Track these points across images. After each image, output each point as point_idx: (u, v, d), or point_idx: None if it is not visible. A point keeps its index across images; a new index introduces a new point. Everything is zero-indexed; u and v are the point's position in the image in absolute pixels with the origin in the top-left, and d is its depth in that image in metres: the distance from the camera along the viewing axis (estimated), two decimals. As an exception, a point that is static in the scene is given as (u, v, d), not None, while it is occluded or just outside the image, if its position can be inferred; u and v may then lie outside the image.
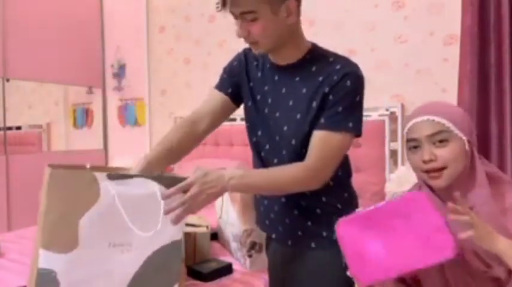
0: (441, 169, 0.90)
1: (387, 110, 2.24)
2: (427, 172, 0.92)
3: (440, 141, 0.90)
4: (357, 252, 0.85)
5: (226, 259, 1.60)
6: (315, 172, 0.99)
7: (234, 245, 1.65)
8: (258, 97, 1.14)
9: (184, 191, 0.91)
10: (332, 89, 0.99)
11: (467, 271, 0.88)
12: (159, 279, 0.92)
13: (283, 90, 1.08)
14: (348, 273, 0.86)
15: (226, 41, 2.90)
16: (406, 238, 0.82)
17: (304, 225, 1.11)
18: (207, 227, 1.63)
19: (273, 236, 1.20)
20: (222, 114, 1.20)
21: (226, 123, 2.78)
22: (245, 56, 1.18)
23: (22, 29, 3.08)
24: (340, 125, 0.99)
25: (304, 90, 1.04)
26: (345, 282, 1.01)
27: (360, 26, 2.41)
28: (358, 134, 1.03)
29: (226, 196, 1.76)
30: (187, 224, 1.61)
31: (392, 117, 2.22)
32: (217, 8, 2.81)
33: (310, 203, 1.10)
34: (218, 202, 1.88)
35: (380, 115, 2.25)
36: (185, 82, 3.23)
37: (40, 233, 0.81)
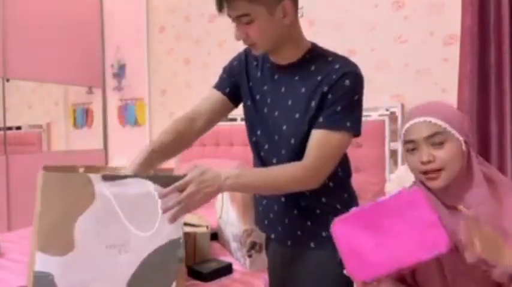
0: (438, 170, 0.91)
1: (387, 110, 2.24)
2: (425, 173, 0.93)
3: (438, 142, 0.91)
4: (353, 250, 0.85)
5: (226, 259, 1.60)
6: (312, 171, 0.99)
7: (234, 245, 1.65)
8: (258, 97, 1.14)
9: (181, 190, 0.90)
10: (331, 88, 0.99)
11: (467, 271, 0.88)
12: (157, 278, 0.92)
13: (283, 89, 1.08)
14: (345, 272, 0.86)
15: (226, 41, 2.90)
16: (401, 234, 0.83)
17: (304, 225, 1.11)
18: (207, 227, 1.63)
19: (272, 236, 1.20)
20: (220, 113, 1.21)
21: (226, 123, 2.80)
22: (245, 56, 1.19)
23: (22, 29, 3.08)
24: (339, 124, 0.99)
25: (303, 90, 1.04)
26: (345, 282, 1.01)
27: (360, 26, 2.41)
28: (357, 133, 1.03)
29: (226, 196, 1.76)
30: (188, 224, 1.61)
31: (392, 117, 2.22)
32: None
33: (310, 204, 1.10)
34: (218, 202, 1.88)
35: (380, 115, 2.25)
36: (185, 82, 3.23)
37: (36, 236, 0.81)
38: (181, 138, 1.14)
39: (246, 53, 1.18)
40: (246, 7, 0.96)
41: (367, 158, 2.20)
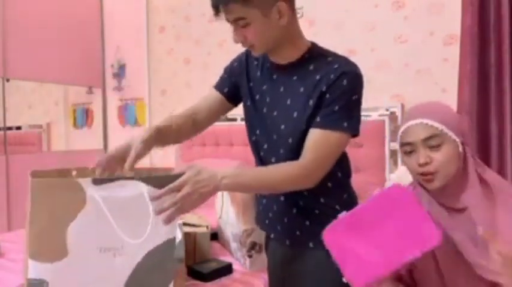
0: (435, 172, 0.91)
1: (387, 110, 2.24)
2: (422, 174, 0.93)
3: (435, 145, 0.91)
4: (348, 256, 0.85)
5: (226, 259, 1.60)
6: (308, 171, 0.98)
7: (234, 245, 1.65)
8: (257, 97, 1.14)
9: (176, 190, 0.89)
10: (329, 87, 0.99)
11: (463, 270, 0.89)
12: (154, 279, 0.91)
13: (281, 89, 1.08)
14: (344, 280, 0.86)
15: (226, 41, 2.90)
16: (392, 233, 0.83)
17: (303, 225, 1.10)
18: (207, 227, 1.63)
19: (272, 235, 1.20)
20: (218, 112, 1.23)
21: (226, 123, 2.80)
22: (246, 56, 1.19)
23: (22, 29, 3.08)
24: (336, 124, 0.99)
25: (301, 89, 1.04)
26: (344, 283, 1.01)
27: (360, 26, 2.41)
28: (355, 133, 1.03)
29: (226, 196, 1.76)
30: (188, 224, 1.61)
31: (392, 117, 2.22)
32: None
33: (308, 204, 1.10)
34: (218, 202, 1.88)
35: (380, 115, 2.25)
36: (185, 82, 3.23)
37: (28, 243, 0.80)
38: (179, 131, 1.16)
39: (247, 54, 1.19)
40: (241, 11, 0.97)
41: (367, 158, 2.20)
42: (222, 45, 2.98)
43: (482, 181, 0.93)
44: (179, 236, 1.31)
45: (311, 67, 1.04)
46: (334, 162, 1.02)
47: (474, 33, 1.91)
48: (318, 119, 1.00)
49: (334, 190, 1.10)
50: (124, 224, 0.86)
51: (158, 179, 0.89)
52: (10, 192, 2.99)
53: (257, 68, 1.15)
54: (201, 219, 1.72)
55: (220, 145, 2.92)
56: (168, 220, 0.88)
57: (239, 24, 0.99)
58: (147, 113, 3.42)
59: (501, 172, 1.87)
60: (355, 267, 0.84)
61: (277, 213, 1.15)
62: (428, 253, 0.93)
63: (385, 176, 2.19)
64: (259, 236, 1.53)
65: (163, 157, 3.34)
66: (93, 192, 0.83)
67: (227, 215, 1.72)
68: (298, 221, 1.11)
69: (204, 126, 1.24)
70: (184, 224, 1.55)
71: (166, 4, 3.30)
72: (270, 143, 1.12)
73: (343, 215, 0.87)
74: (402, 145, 0.97)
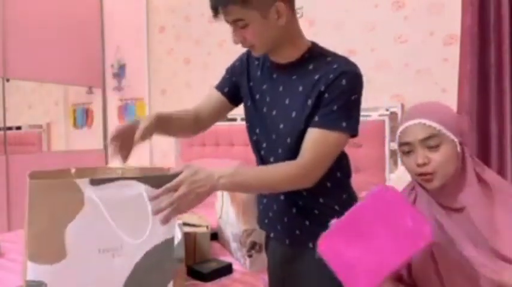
0: (433, 172, 0.91)
1: (387, 110, 2.24)
2: (421, 175, 0.93)
3: (433, 145, 0.91)
4: (345, 265, 0.84)
5: (226, 259, 1.60)
6: (306, 170, 0.98)
7: (234, 245, 1.65)
8: (257, 96, 1.14)
9: (173, 190, 0.88)
10: (328, 87, 0.98)
11: (462, 270, 0.89)
12: (153, 279, 0.91)
13: (281, 88, 1.09)
14: None
15: (226, 41, 2.90)
16: (386, 235, 0.82)
17: (302, 224, 1.11)
18: (207, 227, 1.63)
19: (272, 235, 1.21)
20: (219, 112, 1.25)
21: (226, 123, 2.80)
22: (247, 56, 1.20)
23: (22, 29, 3.08)
24: (334, 124, 0.98)
25: (300, 89, 1.04)
26: (344, 283, 1.01)
27: (360, 26, 2.41)
28: (354, 134, 1.02)
29: (226, 196, 1.76)
30: (188, 224, 1.61)
31: (393, 117, 2.22)
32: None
33: (308, 204, 1.10)
34: (218, 202, 1.88)
35: (380, 115, 2.25)
36: (185, 82, 3.23)
37: (27, 245, 0.80)
38: (180, 124, 1.18)
39: (248, 53, 1.19)
40: (239, 12, 0.97)
41: (367, 158, 2.20)
42: (222, 45, 2.98)
43: (481, 180, 0.93)
44: (179, 236, 1.31)
45: (310, 67, 1.04)
46: (333, 162, 1.02)
47: (474, 33, 1.91)
48: (316, 118, 1.00)
49: (334, 190, 1.09)
50: (123, 224, 0.86)
51: (156, 179, 0.89)
52: (10, 192, 2.99)
53: (258, 68, 1.16)
54: (201, 219, 1.72)
55: (220, 144, 2.92)
56: (165, 220, 0.88)
57: (238, 25, 1.00)
58: (147, 113, 3.42)
59: (501, 172, 1.87)
60: (354, 275, 0.83)
61: (277, 212, 1.15)
62: (428, 253, 0.93)
63: (385, 176, 2.19)
64: (259, 236, 1.53)
65: (164, 157, 3.35)
66: (91, 193, 0.82)
67: (227, 215, 1.72)
68: (298, 220, 1.11)
69: (206, 125, 1.25)
70: (184, 224, 1.55)
71: (166, 4, 3.30)
72: (269, 142, 1.12)
73: (333, 223, 0.86)
74: (400, 144, 0.97)
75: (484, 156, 1.91)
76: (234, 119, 2.81)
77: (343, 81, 0.98)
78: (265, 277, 1.28)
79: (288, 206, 1.12)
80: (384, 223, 0.83)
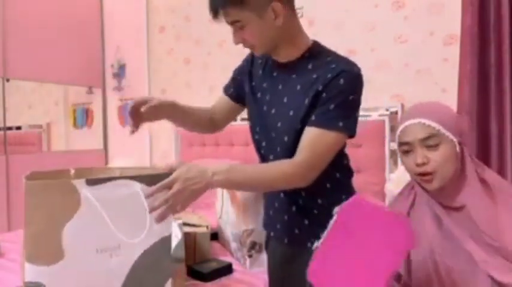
0: (433, 172, 0.91)
1: (387, 110, 2.24)
2: (420, 175, 0.93)
3: (433, 145, 0.91)
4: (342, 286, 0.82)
5: (226, 259, 1.60)
6: (303, 169, 0.98)
7: (234, 245, 1.65)
8: (258, 95, 1.15)
9: (168, 188, 0.88)
10: (325, 87, 0.98)
11: (461, 269, 0.89)
12: (151, 277, 0.91)
13: (280, 86, 1.09)
14: None
15: (226, 41, 2.90)
16: (370, 246, 0.79)
17: (301, 223, 1.11)
18: (207, 227, 1.63)
19: (272, 234, 1.21)
20: (230, 113, 1.28)
21: (226, 123, 2.79)
22: (252, 56, 1.21)
23: (22, 29, 3.08)
24: (331, 123, 0.98)
25: (298, 87, 1.04)
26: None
27: (360, 26, 2.41)
28: (351, 134, 1.02)
29: (226, 196, 1.76)
30: (188, 224, 1.61)
31: (393, 117, 2.22)
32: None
33: (307, 203, 1.10)
34: (218, 202, 1.88)
35: (380, 115, 2.24)
36: (185, 82, 3.23)
37: (25, 246, 0.80)
38: (193, 117, 1.22)
39: (253, 53, 1.20)
40: (236, 14, 0.98)
41: (367, 158, 2.20)
42: (222, 45, 2.98)
43: (482, 180, 0.93)
44: (179, 236, 1.31)
45: (310, 66, 1.04)
46: (329, 161, 1.01)
47: (474, 33, 1.90)
48: (313, 117, 1.00)
49: (333, 191, 1.09)
50: (120, 223, 0.86)
51: (152, 178, 0.89)
52: (10, 192, 2.99)
53: (260, 67, 1.17)
54: (201, 219, 1.72)
55: (220, 145, 2.92)
56: (160, 218, 0.88)
57: (237, 26, 1.01)
58: (147, 113, 3.41)
59: (501, 172, 1.86)
60: None
61: (277, 210, 1.16)
62: (427, 252, 0.93)
63: (385, 176, 2.19)
64: (259, 236, 1.53)
65: (164, 157, 3.35)
66: (88, 193, 0.82)
67: (227, 215, 1.72)
68: (298, 219, 1.11)
69: (221, 125, 1.30)
70: (184, 224, 1.55)
71: (166, 4, 3.30)
72: (268, 140, 1.12)
73: (316, 246, 0.83)
74: (400, 144, 0.97)
75: (484, 156, 1.90)
76: (234, 119, 2.81)
77: (341, 81, 0.97)
78: (266, 276, 1.28)
79: (288, 204, 1.12)
80: (365, 235, 0.80)
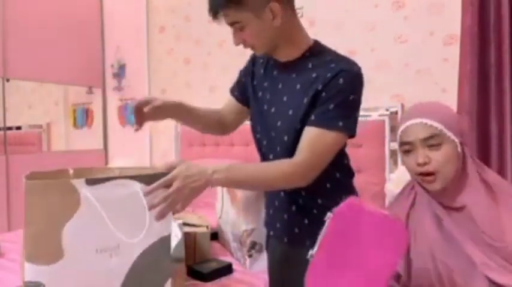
0: (433, 173, 0.91)
1: (387, 110, 2.24)
2: (421, 174, 0.93)
3: (434, 144, 0.91)
4: None
5: (226, 259, 1.60)
6: (301, 168, 0.98)
7: (234, 245, 1.65)
8: (260, 94, 1.15)
9: (167, 186, 0.88)
10: (325, 86, 0.98)
11: (460, 268, 0.89)
12: (151, 277, 0.91)
13: (280, 85, 1.09)
14: None
15: (226, 41, 2.90)
16: (366, 249, 0.78)
17: (301, 222, 1.11)
18: (207, 227, 1.63)
19: (271, 233, 1.21)
20: (238, 114, 1.28)
21: (226, 123, 2.79)
22: (254, 55, 1.22)
23: (22, 29, 3.08)
24: (331, 123, 0.97)
25: (298, 87, 1.04)
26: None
27: (360, 26, 2.41)
28: (351, 134, 1.01)
29: (226, 196, 1.76)
30: (188, 224, 1.61)
31: (393, 117, 2.22)
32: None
33: (307, 203, 1.10)
34: (218, 202, 1.88)
35: (380, 115, 2.24)
36: (185, 82, 3.23)
37: (24, 246, 0.80)
38: (201, 118, 1.23)
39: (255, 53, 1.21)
40: (234, 15, 0.99)
41: (367, 158, 2.20)
42: (222, 45, 2.98)
43: (483, 180, 0.93)
44: (179, 236, 1.31)
45: (310, 65, 1.04)
46: (329, 161, 1.01)
47: (474, 33, 1.90)
48: (312, 117, 0.99)
49: (333, 191, 1.09)
50: (120, 223, 0.85)
51: (150, 177, 0.89)
52: (10, 192, 2.99)
53: (262, 66, 1.18)
54: (201, 219, 1.72)
55: (220, 145, 2.92)
56: (160, 216, 0.88)
57: (236, 27, 1.01)
58: (147, 113, 3.41)
59: (501, 172, 1.86)
60: None
61: (277, 209, 1.16)
62: (428, 252, 0.93)
63: (385, 176, 2.19)
64: (259, 235, 1.53)
65: (163, 157, 3.34)
66: (87, 193, 0.82)
67: (227, 215, 1.72)
68: (297, 219, 1.11)
69: (230, 128, 1.31)
70: (184, 224, 1.55)
71: (166, 4, 3.30)
72: (268, 139, 1.12)
73: (311, 254, 0.82)
74: (401, 144, 0.97)
75: (484, 156, 1.90)
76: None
77: (341, 80, 0.97)
78: (266, 276, 1.28)
79: (288, 203, 1.12)
80: (360, 239, 0.79)
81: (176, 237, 1.29)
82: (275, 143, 1.09)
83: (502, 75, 1.88)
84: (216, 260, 1.55)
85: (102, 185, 0.84)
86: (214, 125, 1.27)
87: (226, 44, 2.93)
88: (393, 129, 2.16)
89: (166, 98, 1.18)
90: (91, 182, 0.83)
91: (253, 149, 1.24)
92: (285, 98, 1.07)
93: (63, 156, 3.41)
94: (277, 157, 1.08)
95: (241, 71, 1.27)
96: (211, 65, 3.06)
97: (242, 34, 1.02)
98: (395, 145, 2.22)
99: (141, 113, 1.09)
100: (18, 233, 2.11)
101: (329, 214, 0.80)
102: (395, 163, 2.22)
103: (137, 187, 0.87)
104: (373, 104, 2.22)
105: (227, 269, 1.50)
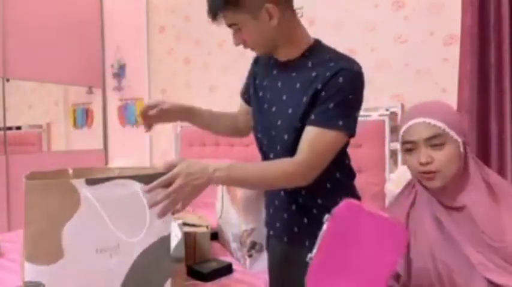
0: (436, 171, 0.91)
1: (387, 110, 2.24)
2: (423, 173, 0.93)
3: (437, 144, 0.91)
4: None
5: (226, 259, 1.60)
6: (303, 168, 0.98)
7: (234, 245, 1.65)
8: (260, 93, 1.16)
9: (169, 184, 0.88)
10: (325, 85, 0.98)
11: (460, 268, 0.89)
12: (150, 276, 0.91)
13: (280, 84, 1.10)
14: None
15: (226, 41, 2.90)
16: (365, 250, 0.77)
17: (301, 222, 1.11)
18: (207, 227, 1.63)
19: (271, 232, 1.21)
20: (249, 117, 1.28)
21: (226, 123, 2.79)
22: (257, 56, 1.23)
23: (22, 29, 3.08)
24: (330, 122, 0.97)
25: (298, 86, 1.04)
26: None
27: (360, 26, 2.41)
28: (351, 133, 1.01)
29: (226, 196, 1.76)
30: (188, 224, 1.61)
31: (393, 117, 2.22)
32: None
33: (307, 202, 1.10)
34: (218, 202, 1.88)
35: (380, 115, 2.24)
36: (185, 82, 3.23)
37: (24, 246, 0.80)
38: (214, 120, 1.28)
39: None
40: (232, 17, 1.00)
41: (367, 158, 2.19)
42: (222, 45, 2.98)
43: (484, 181, 0.93)
44: (179, 236, 1.31)
45: (309, 64, 1.05)
46: (329, 161, 1.01)
47: (474, 33, 1.90)
48: (312, 116, 0.99)
49: (333, 191, 1.09)
50: (119, 223, 0.85)
51: (151, 177, 0.89)
52: (10, 192, 2.99)
53: (263, 65, 1.18)
54: (201, 219, 1.72)
55: (220, 145, 2.92)
56: (162, 214, 0.88)
57: (235, 28, 1.03)
58: (147, 113, 3.41)
59: (501, 172, 1.86)
60: None
61: (277, 209, 1.16)
62: (427, 252, 0.93)
63: (385, 176, 2.19)
64: (259, 235, 1.53)
65: (163, 157, 3.34)
66: (87, 192, 0.82)
67: (227, 215, 1.72)
68: (297, 218, 1.11)
69: (245, 130, 1.33)
70: (184, 224, 1.55)
71: (166, 4, 3.30)
72: (269, 138, 1.13)
73: (310, 257, 0.81)
74: (404, 142, 0.97)
75: (484, 156, 1.90)
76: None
77: (340, 79, 0.97)
78: (266, 276, 1.28)
79: (288, 202, 1.12)
80: (359, 239, 0.78)
81: (176, 237, 1.29)
82: (275, 142, 1.10)
83: (502, 75, 1.88)
84: (216, 260, 1.55)
85: (102, 185, 0.84)
86: (229, 128, 1.32)
87: (226, 44, 2.93)
88: (393, 130, 2.16)
89: (177, 101, 1.23)
90: (91, 182, 0.83)
91: (253, 150, 1.24)
92: (284, 97, 1.07)
93: (63, 156, 3.41)
94: (277, 155, 1.08)
95: (248, 74, 1.29)
96: (211, 65, 3.06)
97: (241, 35, 1.04)
98: (395, 145, 2.23)
99: (148, 116, 1.13)
100: (18, 233, 2.11)
101: (327, 216, 0.80)
102: (395, 163, 2.22)
103: (137, 186, 0.88)
104: (373, 104, 2.22)
105: (227, 269, 1.50)
